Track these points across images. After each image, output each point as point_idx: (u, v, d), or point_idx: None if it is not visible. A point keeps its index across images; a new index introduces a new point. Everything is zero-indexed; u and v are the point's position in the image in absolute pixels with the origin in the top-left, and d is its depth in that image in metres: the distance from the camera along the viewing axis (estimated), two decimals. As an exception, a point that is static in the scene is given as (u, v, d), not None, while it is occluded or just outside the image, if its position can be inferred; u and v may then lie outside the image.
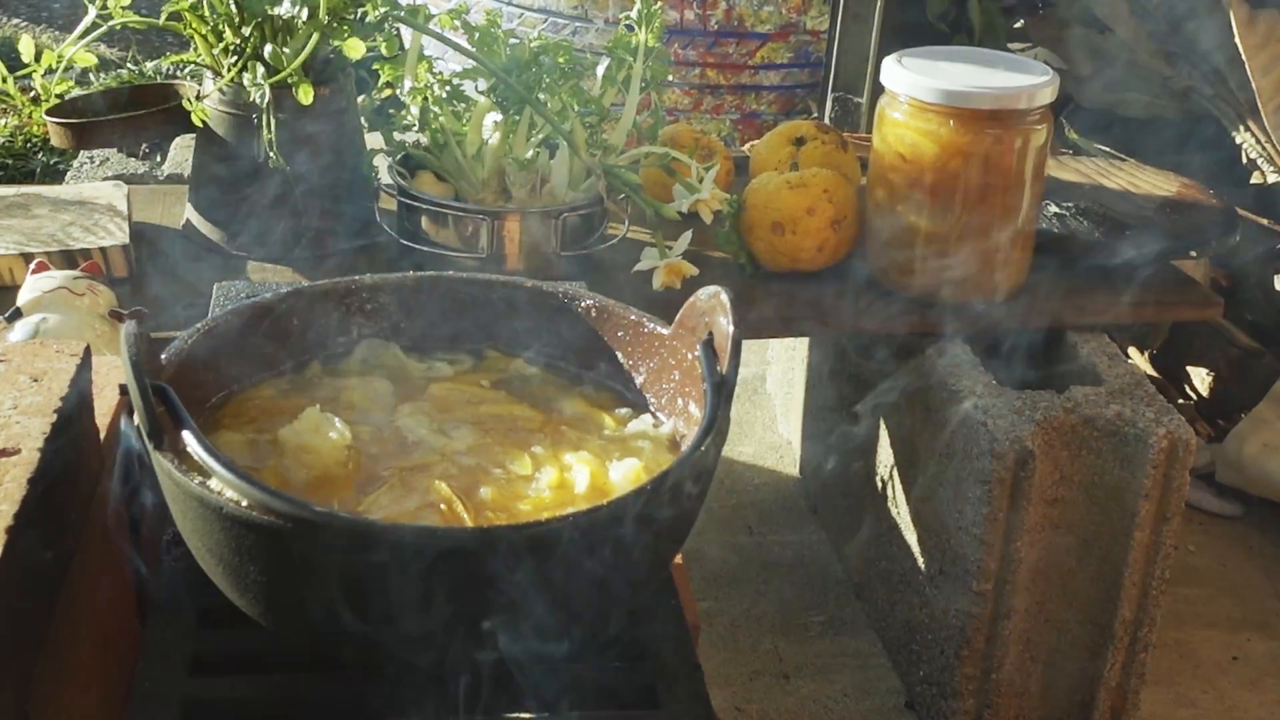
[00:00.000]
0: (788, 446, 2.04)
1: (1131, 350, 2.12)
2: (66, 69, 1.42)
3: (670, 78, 2.02)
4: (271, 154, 1.41)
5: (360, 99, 1.55)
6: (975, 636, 1.44)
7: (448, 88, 1.48)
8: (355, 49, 1.36)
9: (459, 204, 1.45)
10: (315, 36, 1.36)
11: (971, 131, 1.40)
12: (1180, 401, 2.09)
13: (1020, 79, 1.42)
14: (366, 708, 0.80)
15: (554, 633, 0.79)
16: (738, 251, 1.53)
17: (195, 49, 1.46)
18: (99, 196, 1.54)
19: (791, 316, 1.49)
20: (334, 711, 0.81)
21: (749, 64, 2.27)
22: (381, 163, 1.53)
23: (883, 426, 1.62)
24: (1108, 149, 2.04)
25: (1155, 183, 1.77)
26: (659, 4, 1.49)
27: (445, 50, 1.47)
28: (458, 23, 1.48)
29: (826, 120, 2.08)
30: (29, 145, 2.77)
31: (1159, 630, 1.46)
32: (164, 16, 1.42)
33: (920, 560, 1.53)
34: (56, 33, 3.67)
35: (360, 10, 1.42)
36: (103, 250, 1.41)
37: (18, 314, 1.22)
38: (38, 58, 1.41)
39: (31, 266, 1.31)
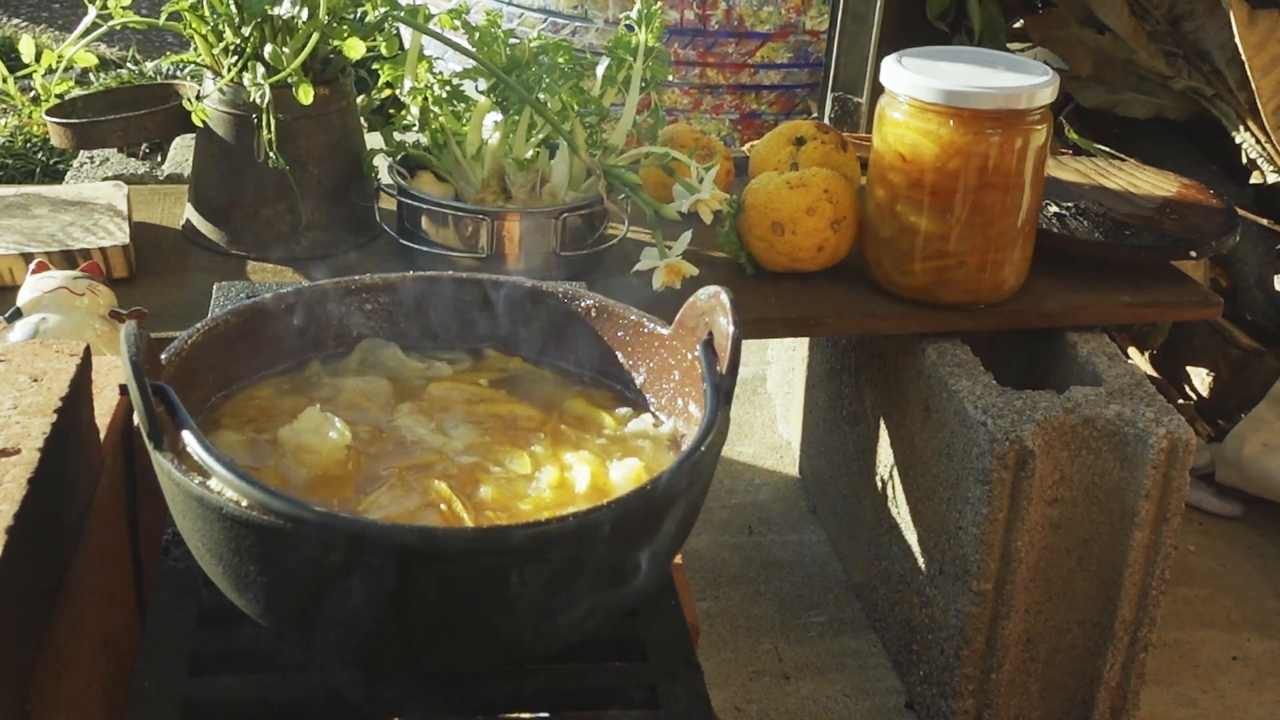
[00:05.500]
0: (788, 446, 2.04)
1: (1131, 350, 2.12)
2: (66, 69, 1.42)
3: (670, 78, 2.02)
4: (271, 154, 1.41)
5: (360, 99, 1.55)
6: (975, 636, 1.44)
7: (448, 88, 1.48)
8: (355, 49, 1.36)
9: (459, 204, 1.45)
10: (315, 36, 1.36)
11: (971, 131, 1.40)
12: (1180, 401, 2.09)
13: (1020, 79, 1.42)
14: (366, 708, 0.80)
15: (554, 632, 0.79)
16: (738, 251, 1.53)
17: (195, 49, 1.46)
18: (99, 196, 1.54)
19: (791, 316, 1.49)
20: (334, 711, 0.81)
21: (749, 64, 2.27)
22: (381, 163, 1.53)
23: (883, 426, 1.62)
24: (1108, 149, 2.04)
25: (1155, 183, 1.77)
26: (659, 4, 1.49)
27: (445, 50, 1.47)
28: (458, 23, 1.48)
29: (826, 120, 2.08)
30: (29, 145, 2.77)
31: (1159, 630, 1.46)
32: (164, 16, 1.42)
33: (920, 560, 1.53)
34: (56, 33, 3.68)
35: (360, 10, 1.42)
36: (103, 250, 1.41)
37: (18, 314, 1.22)
38: (38, 58, 1.41)
39: (31, 266, 1.31)
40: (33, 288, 1.25)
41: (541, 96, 1.44)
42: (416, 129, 1.51)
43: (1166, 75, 2.11)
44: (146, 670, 0.83)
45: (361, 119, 1.55)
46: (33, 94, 1.47)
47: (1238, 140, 2.09)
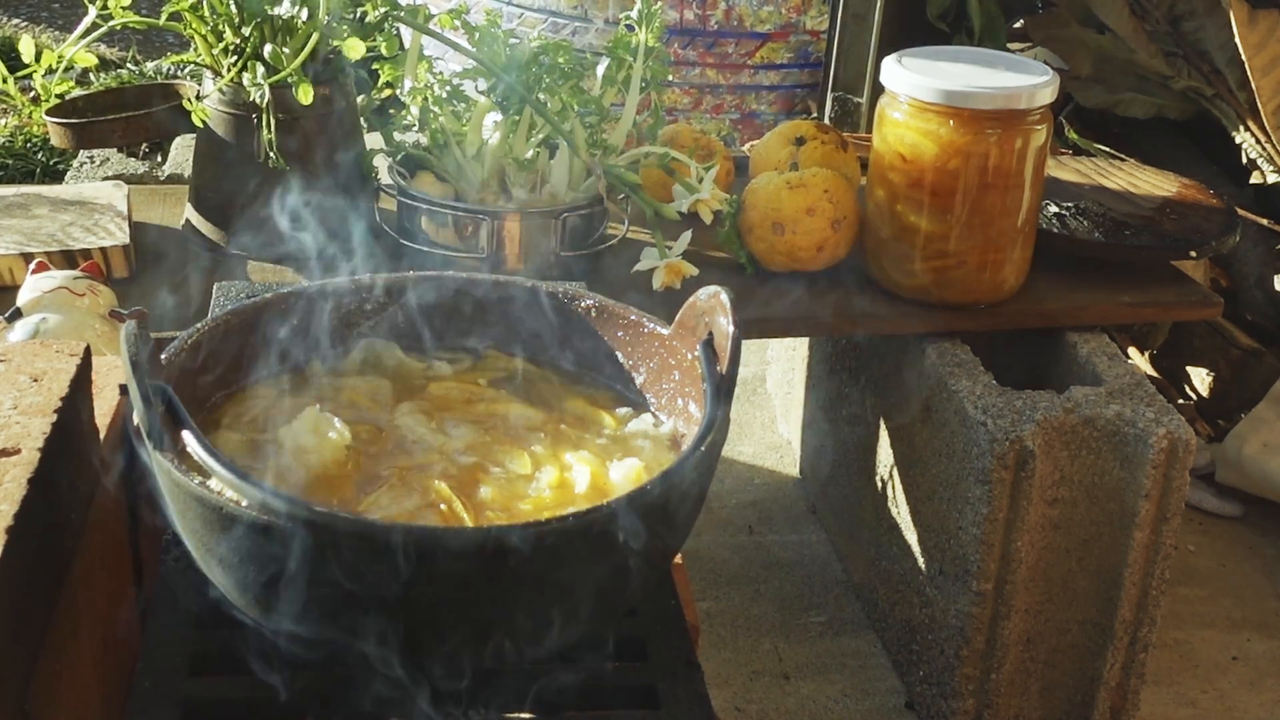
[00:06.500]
0: (788, 446, 2.04)
1: (1131, 350, 2.12)
2: (66, 69, 1.42)
3: (670, 78, 2.02)
4: (271, 154, 1.41)
5: (360, 99, 1.55)
6: (975, 636, 1.44)
7: (448, 88, 1.48)
8: (355, 49, 1.36)
9: (459, 204, 1.45)
10: (315, 36, 1.36)
11: (971, 131, 1.40)
12: (1180, 401, 2.09)
13: (1020, 79, 1.42)
14: (366, 707, 0.80)
15: (554, 632, 0.79)
16: (738, 251, 1.53)
17: (195, 49, 1.46)
18: (99, 196, 1.54)
19: (791, 316, 1.49)
20: (334, 711, 0.81)
21: (749, 64, 2.27)
22: (381, 163, 1.53)
23: (882, 426, 1.62)
24: (1108, 149, 2.04)
25: (1155, 183, 1.77)
26: (659, 4, 1.49)
27: (445, 50, 1.47)
28: (458, 23, 1.48)
29: (826, 120, 2.08)
30: (29, 145, 2.77)
31: (1159, 630, 1.46)
32: (164, 16, 1.42)
33: (920, 560, 1.53)
34: (56, 33, 3.67)
35: (360, 10, 1.42)
36: (103, 250, 1.41)
37: (18, 314, 1.22)
38: (38, 58, 1.41)
39: (31, 266, 1.31)
40: (33, 288, 1.26)
41: (541, 96, 1.44)
42: (416, 129, 1.51)
43: (1166, 75, 2.11)
44: (146, 670, 0.83)
45: (361, 119, 1.55)
46: (33, 94, 1.47)
47: (1238, 140, 2.09)
